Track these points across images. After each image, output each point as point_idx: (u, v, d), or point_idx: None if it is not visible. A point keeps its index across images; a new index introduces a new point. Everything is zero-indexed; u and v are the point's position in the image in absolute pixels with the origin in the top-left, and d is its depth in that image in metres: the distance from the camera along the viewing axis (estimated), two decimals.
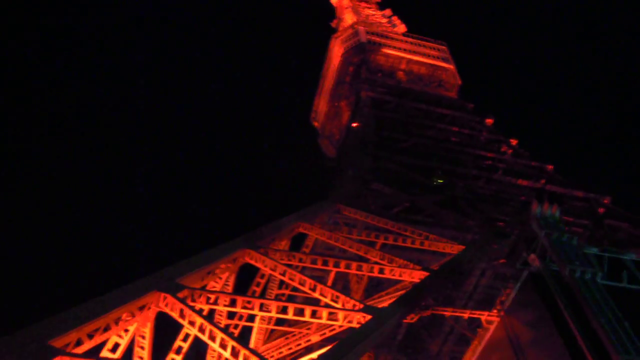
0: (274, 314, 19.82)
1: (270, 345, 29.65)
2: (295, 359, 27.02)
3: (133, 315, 18.26)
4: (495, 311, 21.79)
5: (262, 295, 28.99)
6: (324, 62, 73.24)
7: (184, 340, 20.58)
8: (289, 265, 25.81)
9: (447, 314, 23.30)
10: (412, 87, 64.68)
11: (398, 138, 52.11)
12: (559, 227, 21.95)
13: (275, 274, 23.14)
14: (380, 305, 23.98)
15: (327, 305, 20.25)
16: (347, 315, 19.34)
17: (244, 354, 16.00)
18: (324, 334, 26.65)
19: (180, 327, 19.99)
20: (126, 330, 18.33)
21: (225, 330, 17.59)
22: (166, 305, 18.55)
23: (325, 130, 73.02)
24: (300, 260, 25.40)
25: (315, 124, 75.21)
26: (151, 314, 18.95)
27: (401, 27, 77.00)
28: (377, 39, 68.72)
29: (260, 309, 19.94)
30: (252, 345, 28.87)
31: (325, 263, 24.99)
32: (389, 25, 77.55)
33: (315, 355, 24.83)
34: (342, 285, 37.52)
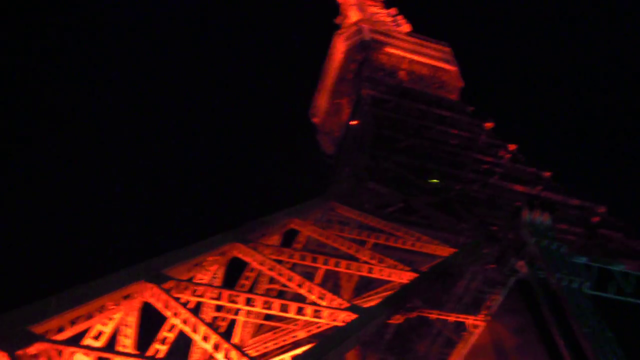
0: (258, 309, 19.85)
1: (257, 339, 29.69)
2: (279, 354, 26.98)
3: (118, 304, 18.30)
4: (481, 316, 21.78)
5: (252, 289, 29.01)
6: (326, 58, 73.11)
7: (170, 330, 20.56)
8: (279, 261, 25.86)
9: (433, 316, 23.29)
10: (413, 87, 64.53)
11: (396, 138, 51.98)
12: (549, 235, 21.95)
13: (263, 268, 23.19)
14: (368, 305, 24.02)
15: (312, 303, 20.29)
16: (332, 314, 19.37)
17: (226, 348, 16.02)
18: (310, 330, 26.67)
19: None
20: (111, 319, 18.36)
21: (208, 323, 17.59)
22: (151, 295, 18.58)
23: (325, 126, 72.94)
24: (290, 256, 25.40)
25: (315, 120, 75.10)
26: (136, 303, 19.00)
27: (405, 27, 76.82)
28: (381, 38, 68.53)
29: (246, 304, 19.96)
30: (239, 338, 28.91)
31: (314, 260, 25.02)
32: (393, 24, 77.37)
33: (299, 351, 24.85)
34: (333, 283, 37.51)
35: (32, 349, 14.55)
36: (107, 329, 18.24)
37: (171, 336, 20.63)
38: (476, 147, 56.09)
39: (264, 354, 28.58)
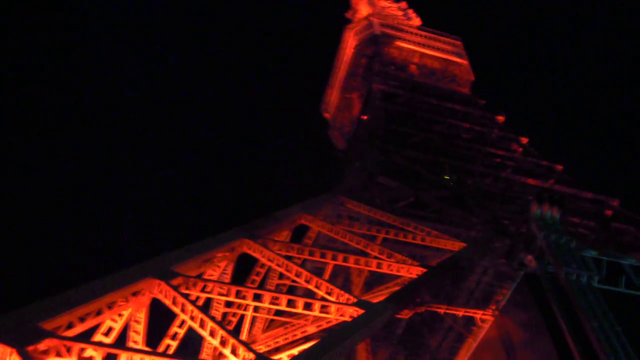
0: (266, 305, 19.94)
1: (269, 334, 29.84)
2: (290, 349, 27.11)
3: (127, 301, 18.49)
4: (489, 310, 21.76)
5: (262, 284, 29.17)
6: (337, 52, 73.04)
7: (180, 326, 20.77)
8: (288, 257, 25.97)
9: (441, 311, 23.29)
10: (425, 82, 64.30)
11: (407, 132, 51.88)
12: (558, 229, 21.84)
13: (272, 264, 23.31)
14: (378, 300, 24.09)
15: (320, 298, 20.38)
16: (340, 309, 19.44)
17: (232, 343, 16.15)
18: (320, 325, 26.77)
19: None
20: (120, 315, 18.56)
21: (215, 319, 17.72)
22: (160, 291, 18.74)
23: (336, 121, 72.93)
24: (299, 252, 25.51)
25: (326, 115, 75.13)
26: (145, 299, 19.18)
27: (416, 21, 76.52)
28: (391, 32, 68.34)
29: (254, 299, 20.07)
30: (251, 333, 29.12)
31: (322, 256, 25.10)
32: (404, 18, 77.08)
33: (307, 346, 24.95)
34: (344, 277, 37.65)
35: (42, 345, 14.76)
36: (117, 325, 18.43)
37: (181, 332, 20.87)
38: (488, 141, 55.84)
39: (275, 349, 28.72)
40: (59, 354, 14.98)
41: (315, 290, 21.14)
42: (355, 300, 19.69)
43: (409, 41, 68.26)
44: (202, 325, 17.31)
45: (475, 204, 40.74)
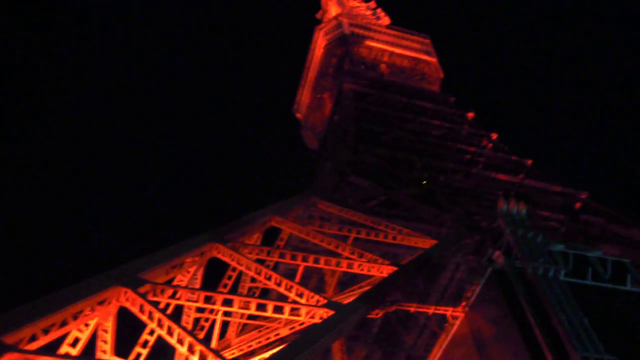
0: (236, 309, 19.76)
1: (242, 338, 29.64)
2: (263, 353, 26.98)
3: (93, 310, 18.17)
4: (460, 307, 21.90)
5: (235, 288, 28.96)
6: (308, 53, 73.02)
7: (150, 334, 20.49)
8: (260, 260, 25.80)
9: (412, 309, 23.34)
10: (395, 80, 64.67)
11: (378, 131, 52.11)
12: (525, 225, 22.05)
13: (242, 268, 23.13)
14: (350, 299, 24.05)
15: (292, 301, 20.27)
16: (310, 311, 19.35)
17: (200, 350, 15.97)
18: (293, 328, 26.66)
19: None
20: (87, 325, 18.24)
21: (184, 326, 17.52)
22: (127, 300, 18.48)
23: (308, 121, 72.95)
24: (269, 254, 25.37)
25: (298, 115, 75.10)
26: (112, 308, 18.88)
27: (385, 20, 76.92)
28: (360, 31, 68.59)
29: (224, 304, 19.88)
30: (225, 337, 28.93)
31: (293, 257, 24.98)
32: (373, 17, 77.42)
33: (276, 350, 24.86)
34: (318, 278, 37.55)
35: None
36: (84, 335, 18.11)
37: (152, 339, 20.60)
38: (458, 138, 56.37)
39: (249, 353, 28.57)
40: None
41: (286, 292, 21.03)
42: (325, 301, 19.61)
43: (378, 40, 68.56)
44: (170, 332, 17.09)
45: (446, 200, 41.02)
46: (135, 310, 18.24)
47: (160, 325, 17.32)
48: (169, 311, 21.51)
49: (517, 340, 18.83)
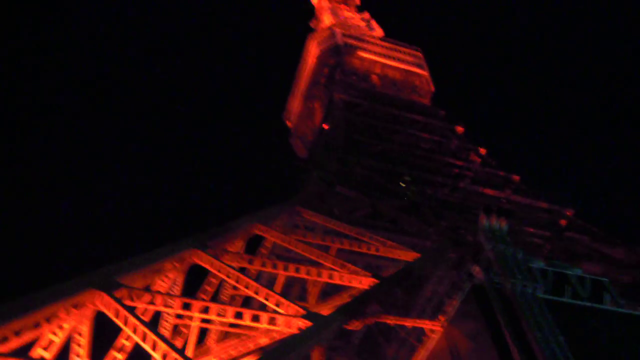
0: (213, 317, 19.68)
1: (223, 345, 29.45)
2: None
3: (68, 313, 18.02)
4: (438, 321, 21.89)
5: (217, 295, 28.83)
6: (300, 61, 73.16)
7: (128, 339, 20.30)
8: (242, 268, 25.71)
9: (391, 322, 23.31)
10: (386, 92, 64.83)
11: (367, 142, 52.16)
12: (506, 241, 22.11)
13: (222, 275, 23.04)
14: (331, 310, 23.99)
15: (271, 310, 20.21)
16: (288, 321, 19.30)
17: (174, 358, 15.86)
18: (274, 337, 26.53)
19: None
20: (61, 328, 18.08)
21: (159, 332, 17.39)
22: (102, 303, 18.34)
23: (298, 130, 72.92)
24: (250, 262, 25.32)
25: (288, 123, 75.08)
26: (88, 312, 18.74)
27: (378, 31, 77.15)
28: (353, 42, 68.78)
29: (201, 311, 19.79)
30: (205, 344, 28.77)
31: (275, 266, 24.95)
32: (366, 28, 77.65)
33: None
34: (300, 287, 37.43)
35: None
36: (58, 339, 17.95)
37: (129, 344, 20.41)
38: (447, 151, 56.51)
39: None
40: None
41: (264, 301, 20.97)
42: (303, 312, 19.56)
43: (371, 52, 68.76)
44: (144, 339, 16.97)
45: (432, 214, 41.09)
46: (110, 314, 18.13)
47: (134, 331, 17.19)
48: (147, 316, 21.41)
49: (493, 357, 18.83)
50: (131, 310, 18.12)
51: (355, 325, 21.86)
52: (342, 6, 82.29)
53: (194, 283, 28.88)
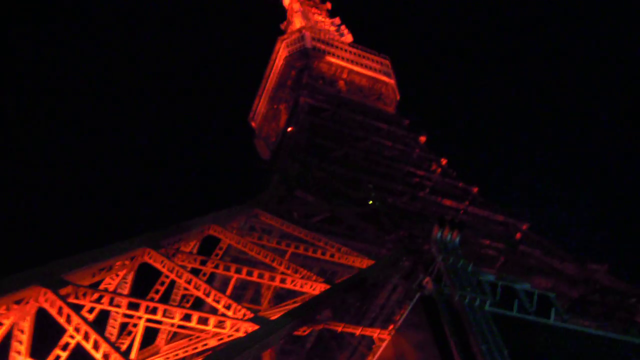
0: (159, 317, 19.41)
1: (172, 345, 29.10)
2: None
3: (9, 309, 17.58)
4: (386, 330, 22.01)
5: (168, 295, 28.50)
6: (268, 62, 72.94)
7: (71, 337, 19.89)
8: (194, 269, 25.43)
9: (339, 329, 23.34)
10: (352, 98, 65.11)
11: (330, 147, 52.27)
12: (457, 253, 22.35)
13: (173, 275, 22.76)
14: (279, 315, 23.89)
15: (216, 313, 20.04)
16: (235, 324, 19.20)
17: (115, 358, 15.60)
18: (222, 339, 26.32)
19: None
20: (1, 324, 17.63)
21: (100, 332, 17.04)
22: (45, 301, 17.93)
23: (262, 131, 72.64)
24: (202, 264, 25.08)
25: (253, 124, 74.72)
26: (30, 308, 18.31)
27: (348, 37, 77.46)
28: (322, 46, 68.87)
29: (147, 312, 19.49)
30: (154, 343, 28.40)
31: (227, 268, 24.76)
32: (337, 33, 77.89)
33: None
34: (254, 290, 37.26)
35: None
36: None
37: (72, 342, 19.98)
38: (409, 160, 56.99)
39: None
40: None
41: (214, 304, 20.79)
42: (251, 315, 19.47)
43: (339, 57, 68.94)
44: (86, 337, 16.65)
45: (390, 221, 41.36)
46: (53, 312, 17.74)
47: (77, 329, 16.85)
48: (94, 315, 21.02)
49: None
50: (75, 308, 17.75)
51: (302, 331, 21.85)
52: (314, 10, 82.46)
53: (148, 282, 28.54)
